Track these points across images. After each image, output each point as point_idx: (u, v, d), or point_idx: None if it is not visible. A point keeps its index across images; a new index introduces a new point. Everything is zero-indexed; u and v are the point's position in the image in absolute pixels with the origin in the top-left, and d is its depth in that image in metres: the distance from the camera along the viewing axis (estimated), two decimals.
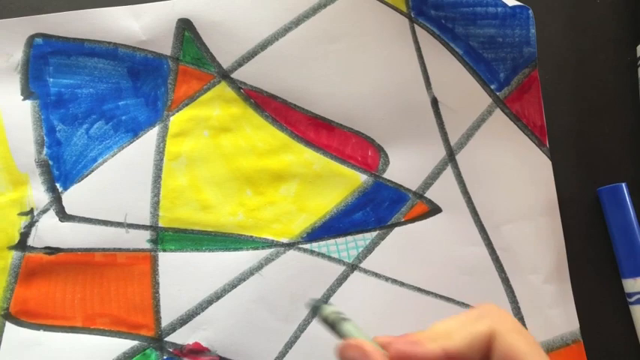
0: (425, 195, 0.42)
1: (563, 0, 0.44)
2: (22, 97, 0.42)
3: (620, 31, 0.43)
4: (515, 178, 0.42)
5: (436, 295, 0.41)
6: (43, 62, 0.42)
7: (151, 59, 0.42)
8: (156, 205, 0.42)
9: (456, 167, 0.42)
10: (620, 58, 0.43)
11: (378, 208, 0.42)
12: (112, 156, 0.42)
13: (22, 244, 0.41)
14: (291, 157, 0.42)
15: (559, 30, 0.43)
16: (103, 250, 0.41)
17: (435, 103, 0.42)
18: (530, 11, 0.41)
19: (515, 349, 0.24)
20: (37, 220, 0.41)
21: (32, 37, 0.42)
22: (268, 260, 0.41)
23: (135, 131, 0.42)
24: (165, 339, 0.41)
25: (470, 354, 0.24)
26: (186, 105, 0.42)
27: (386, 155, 0.42)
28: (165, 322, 0.41)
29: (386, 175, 0.42)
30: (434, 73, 0.42)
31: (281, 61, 0.42)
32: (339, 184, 0.42)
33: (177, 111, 0.42)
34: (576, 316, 0.41)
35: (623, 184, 0.41)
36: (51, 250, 0.41)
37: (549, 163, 0.42)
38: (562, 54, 0.43)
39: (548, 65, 0.43)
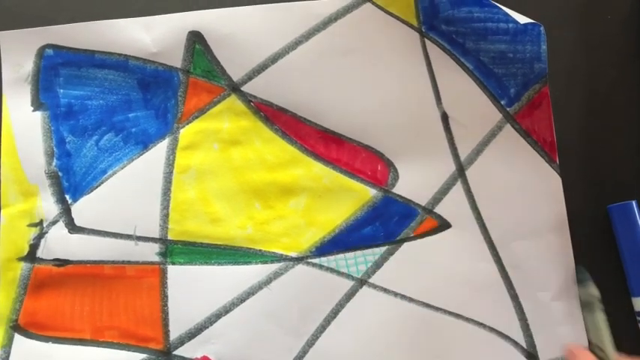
0: (434, 210, 0.42)
1: (574, 17, 0.43)
2: (33, 108, 0.42)
3: (631, 48, 0.43)
4: (525, 194, 0.42)
5: (444, 311, 0.41)
6: (53, 73, 0.42)
7: (162, 71, 0.42)
8: (165, 217, 0.42)
9: (465, 183, 0.42)
10: (631, 75, 0.43)
11: (387, 223, 0.42)
12: (122, 168, 0.42)
13: (31, 256, 0.41)
14: (301, 170, 0.42)
15: (570, 46, 0.43)
16: (112, 262, 0.41)
17: (445, 117, 0.42)
18: (542, 28, 0.41)
19: None
20: (46, 232, 0.41)
21: (43, 48, 0.42)
22: (277, 274, 0.41)
23: (145, 143, 0.42)
24: (174, 352, 0.41)
25: None
26: (196, 117, 0.42)
27: (395, 170, 0.42)
28: (173, 335, 0.41)
29: (395, 190, 0.42)
30: (444, 88, 0.42)
31: (291, 74, 0.42)
32: (348, 198, 0.42)
33: (187, 123, 0.42)
34: (585, 333, 0.41)
35: (634, 202, 0.41)
36: (60, 262, 0.41)
37: (559, 179, 0.42)
38: (573, 70, 0.43)
39: (559, 81, 0.43)
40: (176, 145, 0.42)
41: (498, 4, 0.41)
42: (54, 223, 0.42)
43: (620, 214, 0.41)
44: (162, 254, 0.41)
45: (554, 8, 0.43)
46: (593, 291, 0.40)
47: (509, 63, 0.42)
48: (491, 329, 0.41)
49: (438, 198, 0.42)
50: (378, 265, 0.42)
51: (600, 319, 0.39)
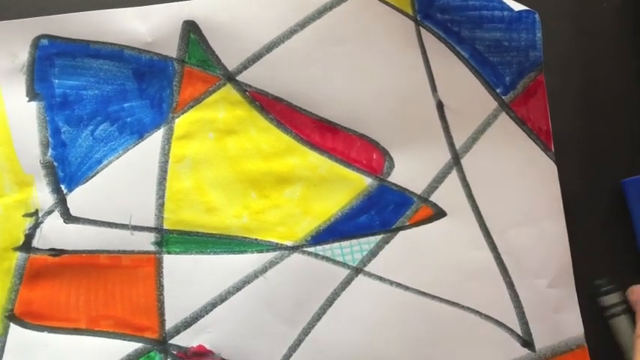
0: (430, 199, 0.42)
1: (569, 4, 0.43)
2: (28, 99, 0.42)
3: (627, 35, 0.43)
4: (521, 182, 0.42)
5: (440, 299, 0.41)
6: (48, 63, 0.42)
7: (157, 61, 0.42)
8: (161, 207, 0.42)
9: (460, 171, 0.42)
10: (626, 62, 0.43)
11: (382, 212, 0.42)
12: (117, 158, 0.42)
13: (26, 246, 0.41)
14: (296, 160, 0.42)
15: (565, 34, 0.43)
16: (108, 252, 0.41)
17: (440, 106, 0.42)
18: (537, 15, 0.41)
19: None
20: (41, 222, 0.41)
21: (38, 39, 0.42)
22: (273, 263, 0.41)
23: (140, 133, 0.42)
24: (170, 341, 0.41)
25: None
26: (192, 107, 0.42)
27: (391, 159, 0.42)
28: (169, 324, 0.41)
29: (391, 179, 0.42)
30: (439, 77, 0.42)
31: (286, 63, 0.42)
32: (343, 187, 0.42)
33: (183, 113, 0.42)
34: (581, 321, 0.41)
35: None
36: (55, 252, 0.41)
37: (555, 167, 0.42)
38: (568, 58, 0.43)
39: (555, 69, 0.43)
40: (171, 135, 0.42)
41: None
42: (49, 212, 0.42)
43: (634, 188, 0.41)
44: (158, 244, 0.41)
45: None
46: (619, 297, 0.41)
47: (504, 51, 0.42)
48: (487, 317, 0.41)
49: (433, 186, 0.42)
50: (373, 253, 0.42)
51: (629, 322, 0.41)
